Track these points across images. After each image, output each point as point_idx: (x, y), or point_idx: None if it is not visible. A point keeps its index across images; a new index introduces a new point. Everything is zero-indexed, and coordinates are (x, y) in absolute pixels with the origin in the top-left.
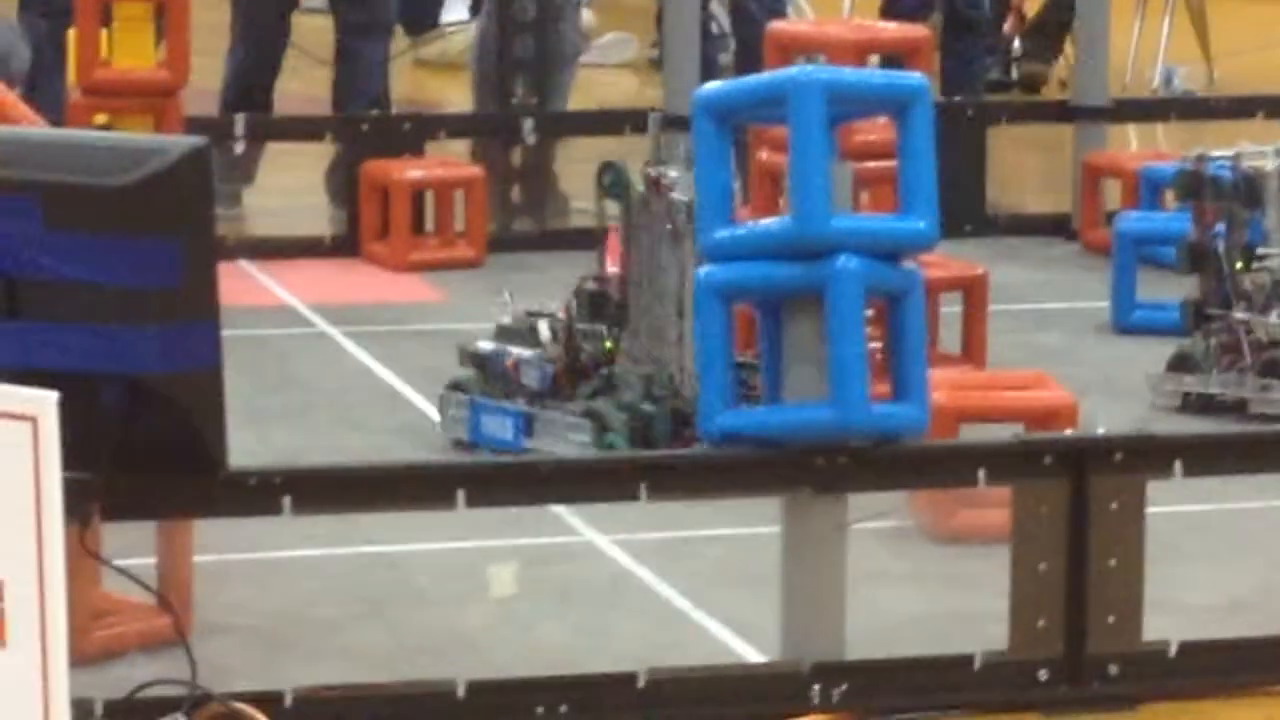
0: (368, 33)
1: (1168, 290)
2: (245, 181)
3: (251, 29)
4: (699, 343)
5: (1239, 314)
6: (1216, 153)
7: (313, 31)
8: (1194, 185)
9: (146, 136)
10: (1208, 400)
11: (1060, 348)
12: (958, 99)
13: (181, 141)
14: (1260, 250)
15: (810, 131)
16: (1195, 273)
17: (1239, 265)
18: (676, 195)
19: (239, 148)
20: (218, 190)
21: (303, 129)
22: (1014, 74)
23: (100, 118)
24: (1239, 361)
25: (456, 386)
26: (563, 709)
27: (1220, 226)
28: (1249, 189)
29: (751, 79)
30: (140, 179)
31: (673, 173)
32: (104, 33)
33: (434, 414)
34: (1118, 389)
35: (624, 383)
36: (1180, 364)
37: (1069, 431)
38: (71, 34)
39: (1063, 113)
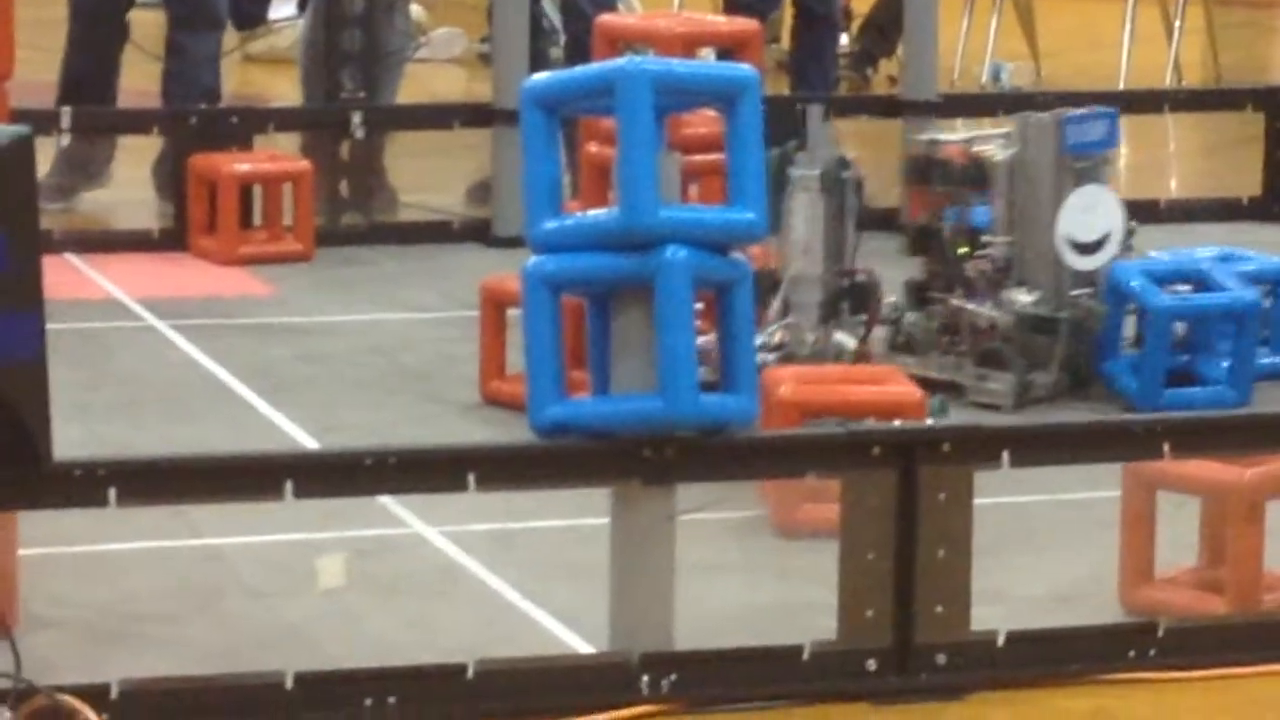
0: (198, 27)
1: None
2: (93, 183)
3: (88, 27)
4: (528, 335)
5: (956, 300)
6: (946, 137)
7: (144, 26)
8: (923, 169)
9: None
10: (924, 382)
11: None
12: (788, 94)
13: (5, 130)
14: (985, 238)
15: (638, 123)
16: (920, 255)
17: (962, 250)
18: None
19: (65, 140)
20: (56, 185)
21: (130, 123)
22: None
23: None
24: (958, 346)
25: None
26: (391, 700)
27: (949, 211)
28: (977, 175)
29: (580, 70)
30: None
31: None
32: None
33: (264, 409)
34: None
35: None
36: (901, 345)
37: (896, 423)
38: None
39: (891, 107)
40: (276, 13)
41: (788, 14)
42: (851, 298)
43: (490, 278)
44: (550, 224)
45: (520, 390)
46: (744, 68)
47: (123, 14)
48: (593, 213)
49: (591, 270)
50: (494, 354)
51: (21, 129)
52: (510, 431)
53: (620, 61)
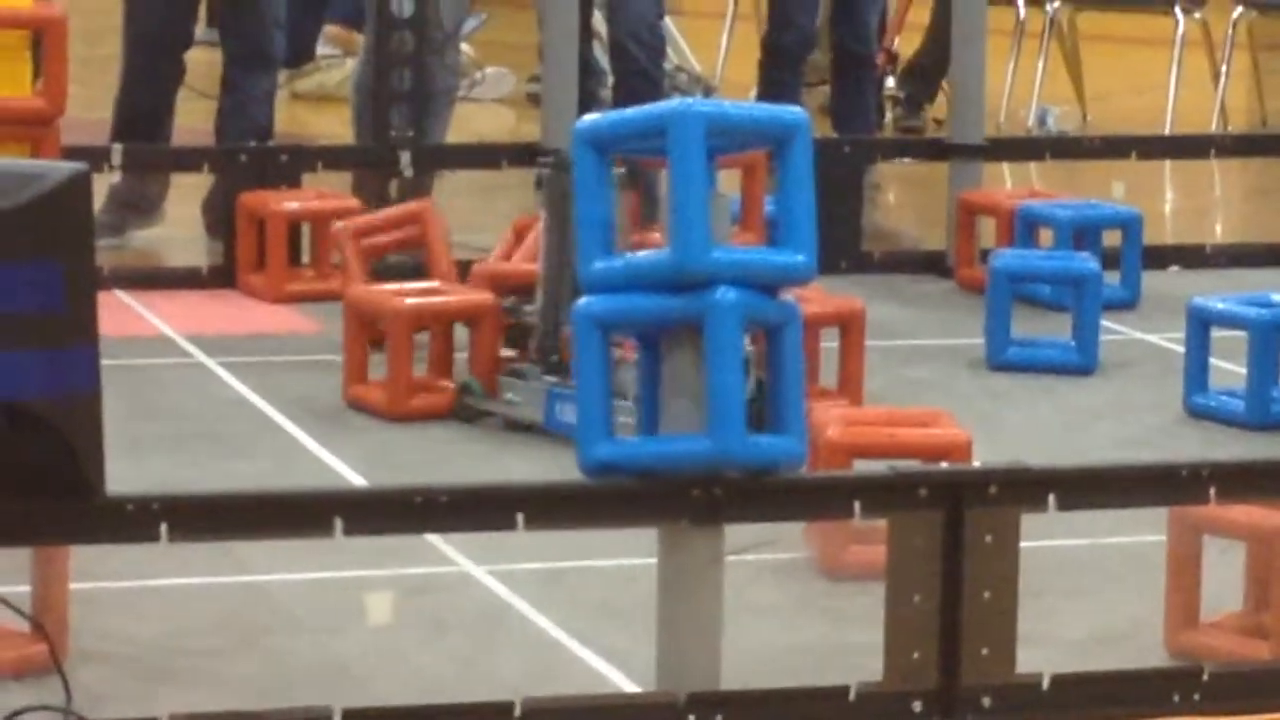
0: (253, 65)
1: (1041, 327)
2: (147, 220)
3: (145, 65)
4: (578, 374)
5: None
6: None
7: (196, 64)
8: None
9: (27, 161)
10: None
11: (934, 383)
12: (835, 136)
13: (62, 167)
14: None
15: (690, 164)
16: None
17: None
18: None
19: (116, 177)
20: (108, 222)
21: (180, 160)
22: (887, 113)
23: None
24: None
25: None
26: None
27: None
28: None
29: (632, 111)
30: (20, 204)
31: None
32: None
33: (311, 445)
34: (991, 424)
35: None
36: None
37: (943, 464)
38: None
39: (938, 150)
40: (324, 49)
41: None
42: None
43: (355, 289)
44: (601, 264)
45: (377, 396)
46: (795, 110)
47: (180, 52)
48: (644, 253)
49: (642, 310)
50: (357, 361)
51: (78, 166)
52: (560, 468)
53: (673, 103)
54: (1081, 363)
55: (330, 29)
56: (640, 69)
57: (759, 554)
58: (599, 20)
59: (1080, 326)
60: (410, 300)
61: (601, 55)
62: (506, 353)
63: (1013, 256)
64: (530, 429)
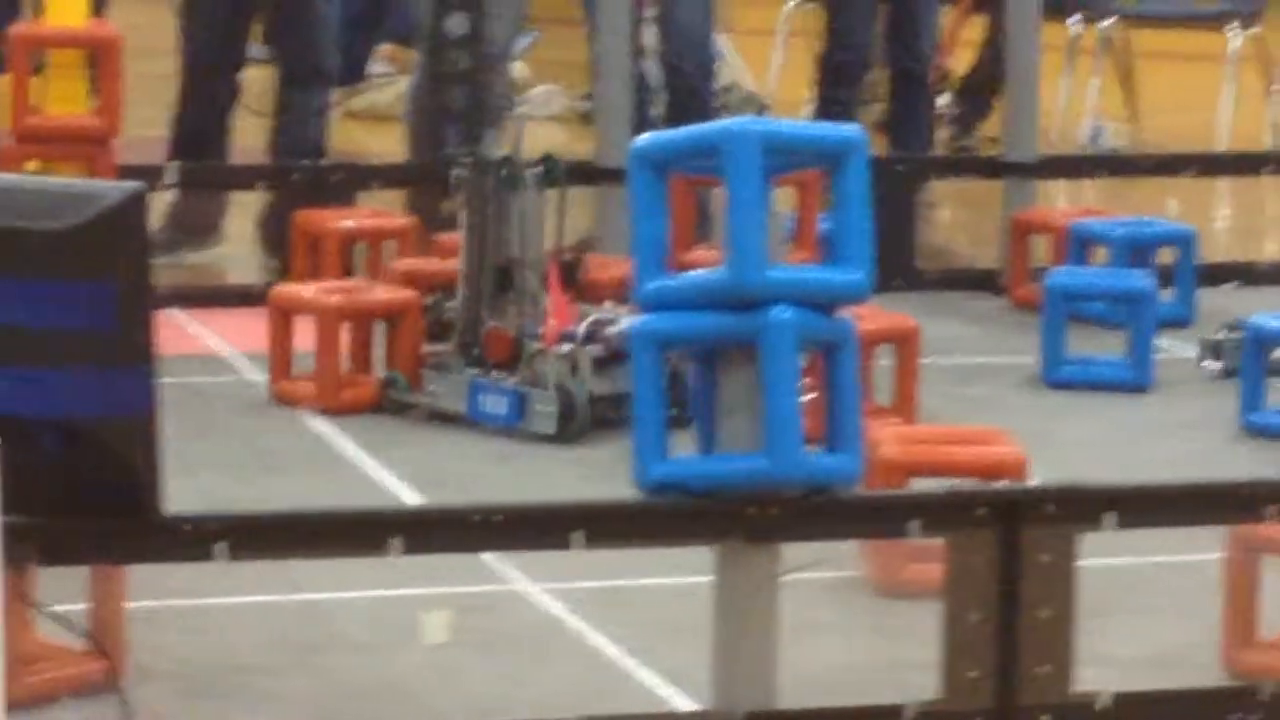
0: (307, 83)
1: (1096, 345)
2: (204, 239)
3: (201, 84)
4: (635, 392)
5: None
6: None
7: (250, 82)
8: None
9: (83, 181)
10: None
11: (989, 401)
12: (892, 154)
13: (118, 187)
14: None
15: (746, 183)
16: None
17: None
18: None
19: (172, 196)
20: (164, 241)
21: (236, 178)
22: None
23: (32, 165)
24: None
25: None
26: None
27: None
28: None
29: (688, 130)
30: (77, 224)
31: None
32: (36, 80)
33: (365, 461)
34: (1046, 442)
35: None
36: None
37: (1001, 483)
38: (3, 81)
39: (992, 168)
40: (376, 67)
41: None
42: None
43: (280, 287)
44: (657, 283)
45: (306, 390)
46: (851, 129)
47: (234, 71)
48: (699, 272)
49: (698, 329)
50: (281, 356)
51: (134, 185)
52: (599, 487)
53: (729, 121)
54: (1136, 380)
55: (385, 48)
56: (691, 87)
57: (815, 572)
58: (650, 36)
59: (1135, 344)
60: (335, 297)
61: (654, 72)
62: (430, 348)
63: (1067, 274)
64: (454, 419)
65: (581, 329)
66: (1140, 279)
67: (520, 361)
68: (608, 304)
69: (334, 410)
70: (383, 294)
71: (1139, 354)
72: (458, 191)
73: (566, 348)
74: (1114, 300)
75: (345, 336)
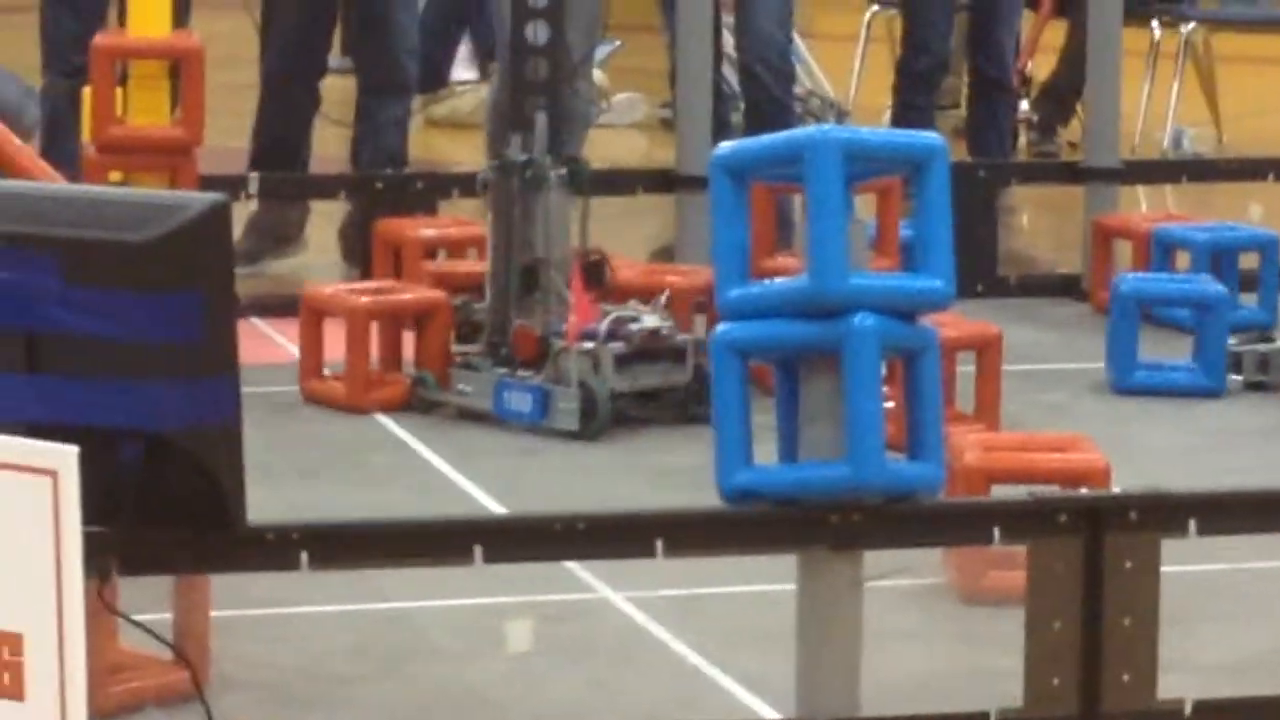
0: (386, 92)
1: (1170, 351)
2: (286, 248)
3: (280, 94)
4: (716, 400)
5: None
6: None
7: (331, 91)
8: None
9: (167, 192)
10: None
11: (1071, 407)
12: (970, 160)
13: (202, 197)
14: None
15: (828, 190)
16: None
17: None
18: None
19: (254, 206)
20: (246, 251)
21: (317, 187)
22: (1021, 137)
23: (115, 175)
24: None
25: None
26: None
27: None
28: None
29: (769, 137)
30: (161, 234)
31: None
32: (119, 91)
33: (448, 470)
34: (1126, 448)
35: None
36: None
37: (1083, 490)
38: (86, 91)
39: (1073, 174)
40: (458, 74)
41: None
42: (586, 275)
43: (310, 286)
44: (738, 291)
45: (336, 389)
46: (932, 135)
47: (314, 81)
48: (781, 280)
49: (779, 337)
50: (312, 356)
51: (217, 196)
52: (690, 497)
53: (810, 129)
54: (1209, 386)
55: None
56: (770, 94)
57: (897, 580)
58: (729, 43)
59: (1206, 349)
60: (365, 298)
61: (732, 79)
62: (460, 349)
63: (1138, 279)
64: (482, 417)
65: (603, 327)
66: (1211, 284)
67: (546, 360)
68: (631, 303)
69: (362, 410)
70: (411, 295)
71: (1210, 360)
72: (485, 193)
73: (589, 345)
74: (1185, 305)
75: (375, 337)
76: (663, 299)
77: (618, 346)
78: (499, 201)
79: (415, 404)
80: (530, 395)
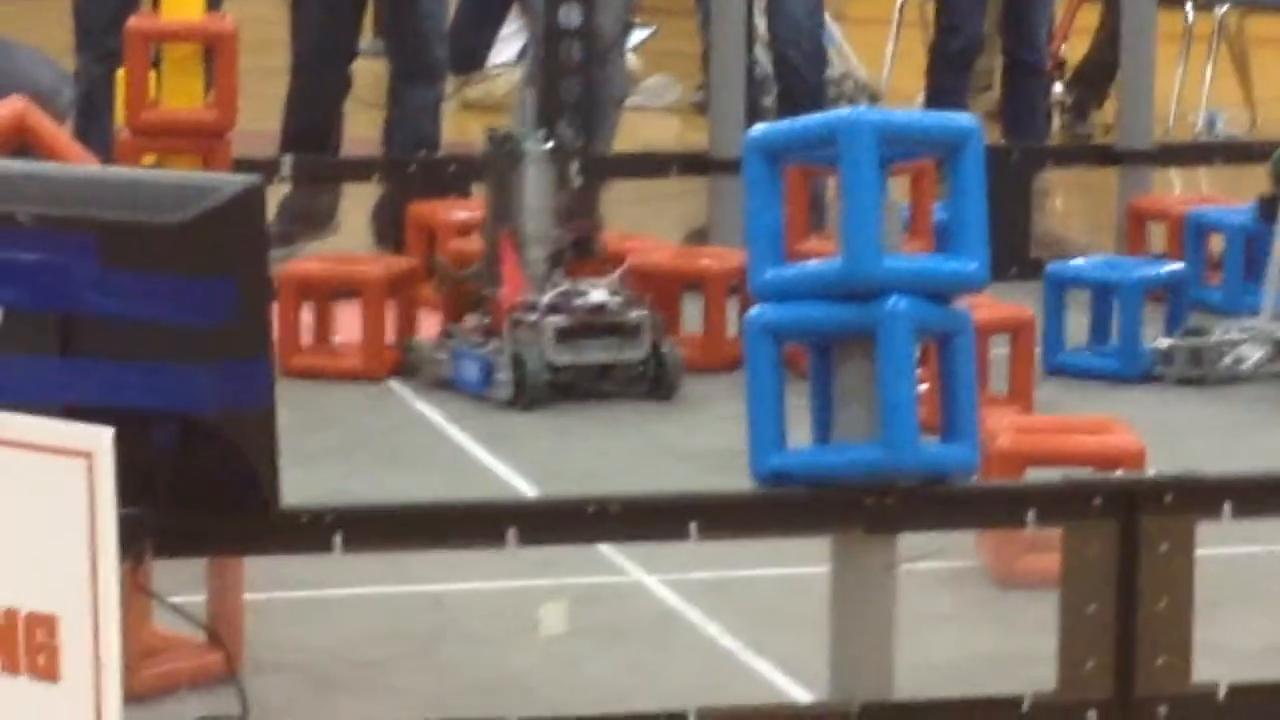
0: (418, 77)
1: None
2: (319, 231)
3: (312, 78)
4: (750, 383)
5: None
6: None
7: (364, 74)
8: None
9: (201, 174)
10: None
11: (1105, 391)
12: (1007, 143)
13: (236, 179)
14: None
15: (862, 173)
16: None
17: None
18: None
19: (286, 189)
20: (280, 233)
21: (350, 171)
22: (1055, 119)
23: (148, 158)
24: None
25: None
26: None
27: None
28: None
29: (803, 120)
30: (195, 217)
31: None
32: (153, 74)
33: (480, 453)
34: (1161, 430)
35: None
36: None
37: (1118, 473)
38: (120, 75)
39: (1107, 156)
40: (497, 57)
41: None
42: (574, 249)
43: (292, 263)
44: (772, 273)
45: (318, 361)
46: (966, 117)
47: (346, 64)
48: (815, 262)
49: (813, 320)
50: (291, 333)
51: (252, 178)
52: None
53: (844, 111)
54: (1123, 371)
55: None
56: (802, 77)
57: (931, 562)
58: (762, 27)
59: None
60: (378, 269)
61: (765, 62)
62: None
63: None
64: (448, 385)
65: (545, 300)
66: (1144, 267)
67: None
68: (590, 278)
69: (378, 377)
70: (382, 267)
71: (1126, 346)
72: (482, 168)
73: (532, 318)
74: (1094, 289)
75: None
76: (617, 274)
77: (559, 319)
78: (490, 175)
79: (405, 370)
80: (477, 365)
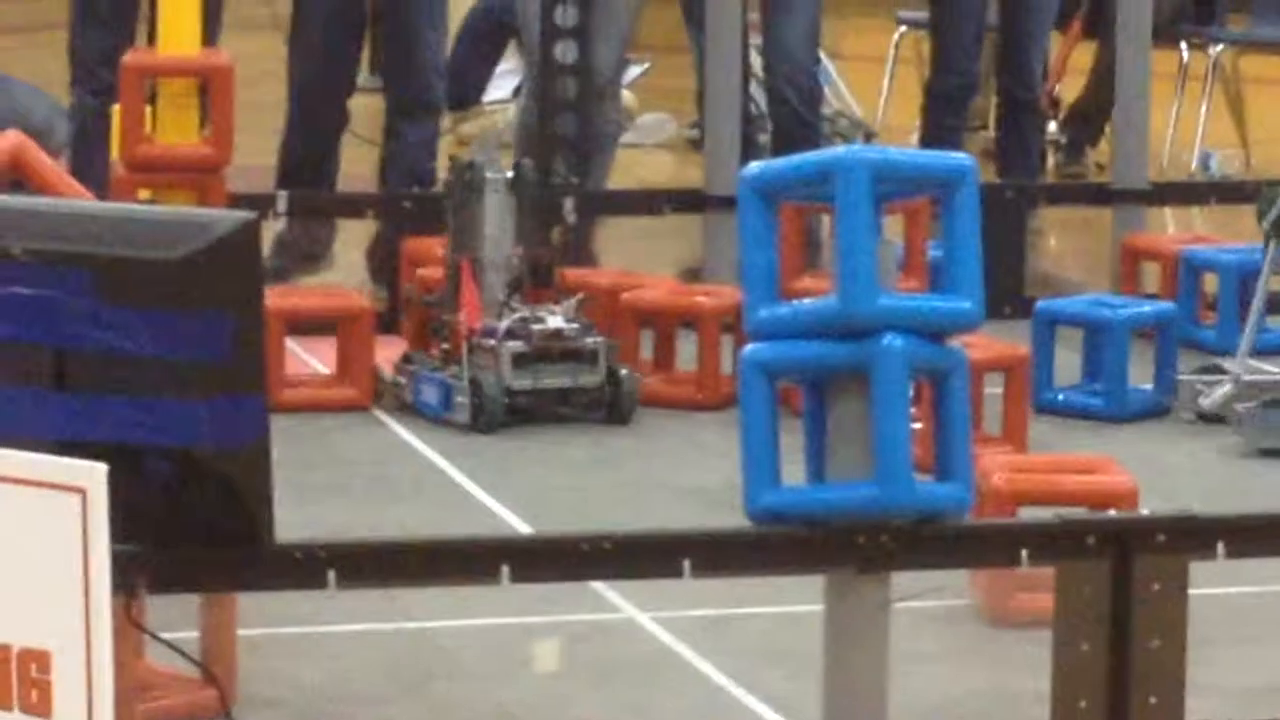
0: (416, 113)
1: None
2: (313, 266)
3: (308, 113)
4: (743, 420)
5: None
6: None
7: (360, 110)
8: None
9: (197, 210)
10: None
11: (1098, 430)
12: (1001, 181)
13: (231, 215)
14: None
15: (857, 211)
16: None
17: None
18: None
19: (282, 224)
20: (274, 269)
21: (345, 206)
22: (1050, 158)
23: (144, 193)
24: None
25: None
26: None
27: None
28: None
29: (798, 158)
30: (191, 252)
31: None
32: (148, 109)
33: (475, 491)
34: (1155, 470)
35: None
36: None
37: (1111, 512)
38: (115, 109)
39: (1102, 195)
40: (493, 94)
41: (992, 102)
42: (533, 275)
43: (274, 294)
44: (767, 311)
45: (309, 394)
46: (962, 156)
47: (342, 100)
48: (809, 300)
49: (808, 358)
50: (278, 366)
51: (248, 214)
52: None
53: (839, 150)
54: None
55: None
56: (797, 115)
57: (924, 601)
58: (757, 64)
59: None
60: (363, 301)
61: (760, 99)
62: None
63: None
64: (411, 410)
65: (503, 325)
66: (1132, 307)
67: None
68: (549, 305)
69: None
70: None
71: (1111, 385)
72: (445, 196)
73: (490, 343)
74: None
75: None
76: (573, 302)
77: (517, 345)
78: (451, 202)
79: (376, 397)
80: (437, 389)
